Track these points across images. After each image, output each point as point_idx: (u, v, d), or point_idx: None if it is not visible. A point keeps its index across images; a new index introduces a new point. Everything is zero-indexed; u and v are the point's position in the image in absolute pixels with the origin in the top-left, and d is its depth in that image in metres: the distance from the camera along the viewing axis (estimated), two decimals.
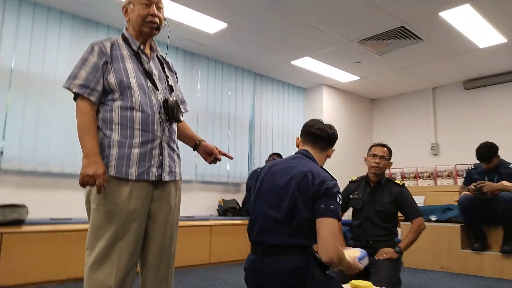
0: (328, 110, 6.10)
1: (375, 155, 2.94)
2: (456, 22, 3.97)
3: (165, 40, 2.25)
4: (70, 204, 3.65)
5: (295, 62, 5.14)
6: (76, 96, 1.68)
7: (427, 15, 3.84)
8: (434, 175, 5.82)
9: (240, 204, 4.86)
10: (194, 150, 2.01)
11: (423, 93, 6.29)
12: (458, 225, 4.08)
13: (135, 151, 1.67)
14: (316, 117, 6.67)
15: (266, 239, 1.74)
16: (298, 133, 6.15)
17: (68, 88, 1.68)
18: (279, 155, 4.96)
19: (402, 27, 4.09)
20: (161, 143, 1.74)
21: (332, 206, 1.67)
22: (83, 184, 1.56)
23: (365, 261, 2.13)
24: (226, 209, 4.58)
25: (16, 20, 3.53)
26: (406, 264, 4.28)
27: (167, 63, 1.97)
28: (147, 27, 1.79)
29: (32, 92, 3.55)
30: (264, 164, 4.94)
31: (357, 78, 5.73)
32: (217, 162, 1.99)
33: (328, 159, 2.00)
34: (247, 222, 4.45)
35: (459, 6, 3.65)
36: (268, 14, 3.86)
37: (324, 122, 2.00)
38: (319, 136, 1.94)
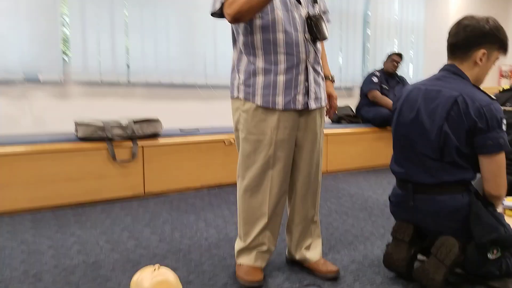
0: None
1: None
2: None
3: None
4: (195, 114, 3.82)
5: None
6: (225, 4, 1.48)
7: None
8: None
9: (354, 110, 4.64)
10: None
11: None
12: None
13: (281, 79, 1.54)
14: (440, 9, 5.68)
15: (416, 177, 1.59)
16: (418, 27, 5.42)
17: None
18: (400, 55, 4.46)
19: None
20: (306, 68, 1.57)
21: (501, 140, 1.44)
22: None
23: None
24: (340, 117, 4.42)
25: None
26: None
27: None
28: None
29: (147, 4, 3.49)
30: (382, 66, 4.54)
31: None
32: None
33: (490, 65, 1.57)
34: (363, 129, 4.19)
35: None
36: None
37: (470, 19, 1.55)
38: (453, 45, 1.58)
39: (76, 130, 2.83)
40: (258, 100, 1.55)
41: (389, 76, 4.47)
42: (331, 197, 3.10)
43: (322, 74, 1.71)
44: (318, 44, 1.65)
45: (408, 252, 1.62)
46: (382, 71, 4.51)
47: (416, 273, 1.55)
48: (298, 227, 1.77)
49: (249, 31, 1.54)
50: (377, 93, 4.28)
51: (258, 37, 1.53)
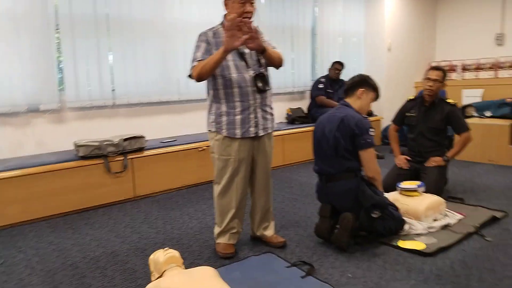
0: (389, 4, 6.05)
1: (429, 79, 3.28)
2: None
3: None
4: (171, 126, 4.51)
5: None
6: (193, 69, 2.25)
7: None
8: (495, 66, 5.86)
9: (306, 111, 5.46)
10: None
11: None
12: (508, 122, 4.40)
13: (238, 118, 2.31)
14: (376, 15, 6.75)
15: (325, 170, 2.48)
16: (357, 36, 6.28)
17: (193, 67, 2.25)
18: (341, 63, 5.30)
19: None
20: (254, 109, 2.34)
21: (368, 140, 2.37)
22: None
23: (422, 189, 2.80)
24: (293, 118, 5.22)
25: None
26: (457, 157, 4.76)
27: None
28: None
29: (126, 35, 4.10)
30: (327, 72, 5.37)
31: None
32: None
33: (368, 100, 2.52)
34: (313, 128, 5.08)
35: None
36: None
37: (356, 75, 2.60)
38: (346, 90, 2.57)
39: (77, 151, 3.48)
40: (225, 132, 2.31)
41: (333, 81, 5.31)
42: (285, 187, 3.91)
43: (271, 111, 2.46)
44: (264, 92, 2.38)
45: (329, 224, 2.44)
46: (327, 77, 5.34)
47: (332, 238, 2.38)
48: (258, 214, 2.56)
49: (215, 87, 2.31)
50: (323, 98, 5.13)
51: (221, 92, 2.29)
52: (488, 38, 6.09)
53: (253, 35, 2.07)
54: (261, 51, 2.20)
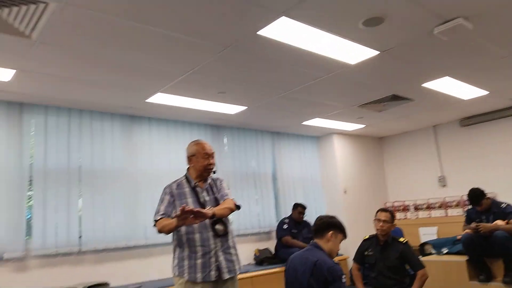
0: (339, 153, 6.78)
1: (379, 220, 3.61)
2: (440, 88, 4.64)
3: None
4: (138, 270, 4.46)
5: (305, 123, 5.90)
6: (156, 222, 2.47)
7: (412, 87, 4.54)
8: (444, 206, 6.40)
9: (273, 251, 5.56)
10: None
11: (425, 131, 6.92)
12: (464, 259, 4.65)
13: (199, 262, 2.44)
14: (330, 162, 7.33)
15: None
16: (315, 179, 6.75)
17: (156, 220, 2.47)
18: (303, 206, 5.62)
19: (393, 94, 4.79)
20: (215, 253, 2.48)
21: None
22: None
23: None
24: (261, 259, 5.28)
25: (79, 127, 4.39)
26: None
27: (215, 183, 2.72)
28: (207, 173, 2.59)
29: (97, 184, 4.38)
30: (290, 213, 5.66)
31: (363, 126, 6.43)
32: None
33: (337, 242, 2.55)
34: (282, 269, 5.23)
35: (439, 78, 4.33)
36: (280, 98, 4.61)
37: (324, 216, 2.66)
38: (315, 230, 2.59)
39: None
40: (186, 276, 2.42)
41: (297, 222, 5.57)
42: None
43: (236, 251, 2.59)
44: (224, 236, 2.55)
45: None
46: (290, 217, 5.61)
47: None
48: None
49: (178, 233, 2.51)
50: (289, 238, 5.32)
51: (184, 237, 2.48)
52: (432, 180, 6.76)
53: (197, 214, 2.29)
54: (211, 217, 2.40)
